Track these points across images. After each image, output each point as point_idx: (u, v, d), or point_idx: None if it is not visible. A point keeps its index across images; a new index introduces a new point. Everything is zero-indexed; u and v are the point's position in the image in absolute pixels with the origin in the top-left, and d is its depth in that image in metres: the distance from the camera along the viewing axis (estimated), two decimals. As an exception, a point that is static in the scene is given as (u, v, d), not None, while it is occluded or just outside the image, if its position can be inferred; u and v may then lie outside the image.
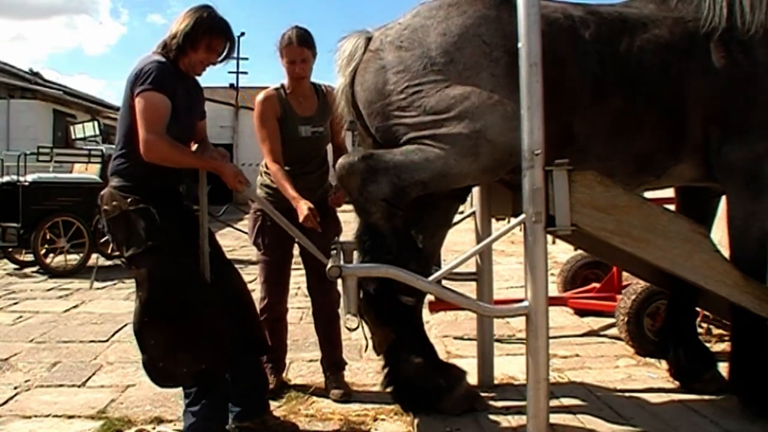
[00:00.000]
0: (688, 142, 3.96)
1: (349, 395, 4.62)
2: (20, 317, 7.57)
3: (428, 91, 3.64)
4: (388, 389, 4.26)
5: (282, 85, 4.69)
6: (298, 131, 4.59)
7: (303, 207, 4.14)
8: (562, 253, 10.04)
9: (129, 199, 3.57)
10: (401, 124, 3.73)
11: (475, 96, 3.59)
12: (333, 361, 4.79)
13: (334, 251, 3.62)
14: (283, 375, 4.89)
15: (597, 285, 6.85)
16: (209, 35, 3.62)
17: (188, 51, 3.62)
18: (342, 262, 3.62)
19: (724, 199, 4.29)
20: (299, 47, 4.50)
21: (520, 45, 3.28)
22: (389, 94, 3.75)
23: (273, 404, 4.34)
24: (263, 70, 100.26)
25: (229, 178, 3.68)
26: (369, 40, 3.94)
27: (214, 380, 3.56)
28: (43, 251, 10.81)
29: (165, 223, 3.58)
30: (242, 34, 41.96)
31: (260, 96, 4.64)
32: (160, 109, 3.50)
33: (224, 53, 3.76)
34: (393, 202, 3.61)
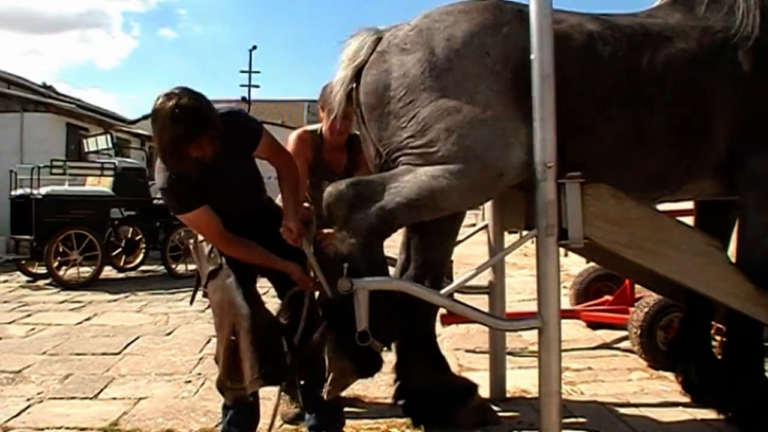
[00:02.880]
0: (711, 158, 3.83)
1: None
2: (33, 329, 7.59)
3: (423, 100, 3.53)
4: (400, 402, 4.26)
5: (320, 130, 4.61)
6: (321, 185, 4.37)
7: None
8: (574, 265, 10.02)
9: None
10: (396, 135, 3.64)
11: (467, 109, 3.47)
12: None
13: (345, 266, 3.58)
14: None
15: (609, 298, 6.82)
16: (183, 145, 3.31)
17: (175, 160, 3.41)
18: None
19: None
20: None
21: (532, 56, 3.28)
22: (389, 101, 3.64)
23: (288, 427, 4.35)
24: (275, 83, 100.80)
25: (295, 277, 3.70)
26: (378, 40, 3.83)
27: (237, 396, 3.56)
28: (56, 264, 10.83)
29: None
30: (254, 47, 42.43)
31: (294, 134, 4.60)
32: (203, 225, 3.66)
33: (213, 139, 3.39)
34: (378, 234, 3.51)
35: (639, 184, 3.81)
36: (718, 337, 5.36)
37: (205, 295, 3.81)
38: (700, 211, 4.66)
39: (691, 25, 3.86)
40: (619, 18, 3.90)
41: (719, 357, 4.46)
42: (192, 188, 3.53)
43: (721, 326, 4.87)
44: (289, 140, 4.53)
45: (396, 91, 3.61)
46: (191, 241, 3.97)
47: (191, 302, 4.17)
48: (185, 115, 3.24)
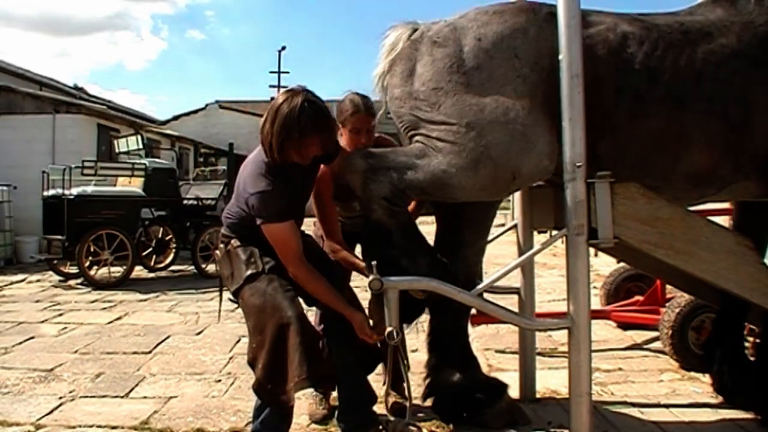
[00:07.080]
0: (753, 156, 3.72)
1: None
2: (65, 328, 7.66)
3: (448, 91, 3.55)
4: (428, 400, 4.25)
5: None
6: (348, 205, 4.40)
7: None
8: (604, 265, 9.95)
9: (233, 240, 3.78)
10: (415, 116, 3.66)
11: (489, 109, 3.48)
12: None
13: (374, 263, 3.57)
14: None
15: (640, 298, 6.77)
16: (308, 136, 3.41)
17: (291, 154, 3.47)
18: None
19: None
20: (367, 116, 4.13)
21: (561, 57, 3.26)
22: (413, 82, 3.69)
23: (318, 428, 4.37)
24: (303, 84, 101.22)
25: (356, 327, 3.60)
26: (414, 31, 3.86)
27: (277, 399, 3.48)
28: (88, 263, 10.90)
29: (264, 254, 3.65)
30: (283, 48, 42.53)
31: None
32: (286, 241, 3.56)
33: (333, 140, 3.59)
34: (393, 201, 3.56)
35: (677, 184, 3.76)
36: (751, 339, 5.32)
37: (235, 297, 3.76)
38: (739, 212, 4.56)
39: (733, 20, 3.78)
40: (658, 17, 3.85)
41: (752, 358, 4.42)
42: (286, 198, 3.57)
43: (754, 327, 4.82)
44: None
45: (422, 77, 3.66)
46: (221, 246, 3.87)
47: (220, 305, 4.17)
48: (315, 109, 3.39)
